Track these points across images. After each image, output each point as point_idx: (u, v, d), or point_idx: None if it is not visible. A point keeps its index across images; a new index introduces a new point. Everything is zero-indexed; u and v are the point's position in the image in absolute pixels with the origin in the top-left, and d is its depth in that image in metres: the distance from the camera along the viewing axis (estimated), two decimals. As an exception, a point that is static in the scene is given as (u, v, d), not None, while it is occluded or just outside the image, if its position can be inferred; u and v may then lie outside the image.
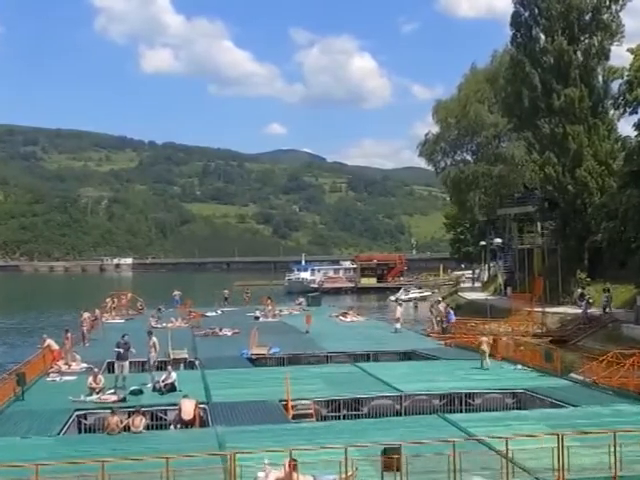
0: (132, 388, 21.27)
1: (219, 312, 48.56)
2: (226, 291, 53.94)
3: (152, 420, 19.43)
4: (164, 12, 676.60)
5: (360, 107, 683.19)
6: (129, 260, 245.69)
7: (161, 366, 28.08)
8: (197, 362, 28.05)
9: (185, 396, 18.59)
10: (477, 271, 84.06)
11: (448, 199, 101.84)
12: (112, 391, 21.04)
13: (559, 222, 43.69)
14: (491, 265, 67.53)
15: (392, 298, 73.95)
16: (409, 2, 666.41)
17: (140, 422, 16.93)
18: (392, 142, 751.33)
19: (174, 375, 21.52)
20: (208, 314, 46.83)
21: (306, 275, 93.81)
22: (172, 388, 21.27)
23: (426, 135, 63.43)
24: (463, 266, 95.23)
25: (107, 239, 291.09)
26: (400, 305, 40.03)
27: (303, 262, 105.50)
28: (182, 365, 27.44)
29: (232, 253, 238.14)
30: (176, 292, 52.12)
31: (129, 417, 17.36)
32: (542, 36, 44.29)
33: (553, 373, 22.91)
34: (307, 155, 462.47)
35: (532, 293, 37.64)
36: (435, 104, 62.79)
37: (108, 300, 48.29)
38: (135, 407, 18.86)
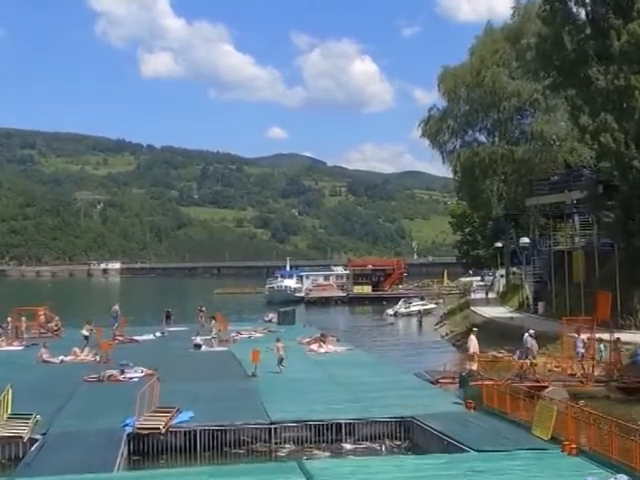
0: None
1: (158, 335, 38.04)
2: (167, 309, 42.67)
3: None
4: (164, 16, 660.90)
5: (361, 111, 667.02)
6: (117, 265, 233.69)
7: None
8: (36, 445, 16.16)
9: None
10: (487, 277, 72.42)
11: (453, 197, 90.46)
12: None
13: (619, 213, 30.98)
14: (510, 271, 55.12)
15: (389, 312, 61.41)
16: (409, 5, 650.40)
17: None
18: (393, 146, 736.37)
19: None
20: (141, 338, 36.88)
21: (290, 283, 79.90)
22: None
23: (430, 110, 50.88)
24: (471, 272, 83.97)
25: (99, 243, 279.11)
26: (473, 332, 26.18)
27: (288, 267, 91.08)
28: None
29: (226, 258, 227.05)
30: (115, 306, 40.58)
31: None
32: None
33: None
34: (308, 159, 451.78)
35: (595, 315, 25.00)
36: (441, 71, 49.84)
37: (9, 319, 36.80)
38: None
